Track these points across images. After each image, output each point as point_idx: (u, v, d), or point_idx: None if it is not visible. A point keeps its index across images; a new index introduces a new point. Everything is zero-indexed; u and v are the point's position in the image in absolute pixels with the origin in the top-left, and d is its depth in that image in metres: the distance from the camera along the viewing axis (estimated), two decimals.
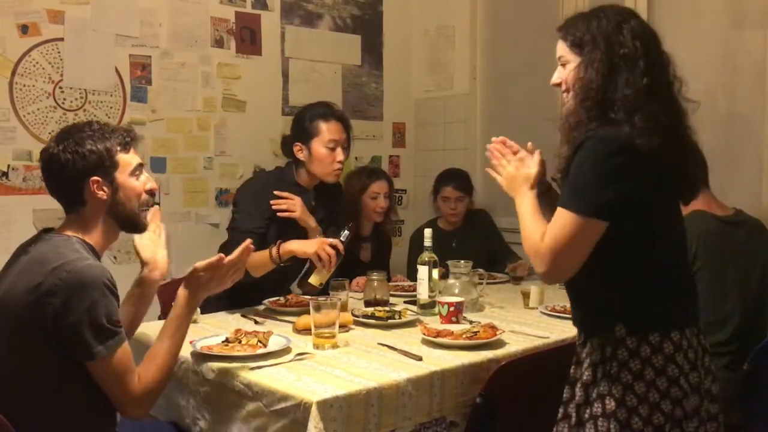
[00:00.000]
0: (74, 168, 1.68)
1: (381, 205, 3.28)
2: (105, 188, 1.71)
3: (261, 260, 2.44)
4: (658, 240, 1.57)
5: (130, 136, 1.77)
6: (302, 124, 2.67)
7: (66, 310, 1.55)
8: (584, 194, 1.50)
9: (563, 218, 1.51)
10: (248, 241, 1.87)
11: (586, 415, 1.56)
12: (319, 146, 2.62)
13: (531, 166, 1.73)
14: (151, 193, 1.82)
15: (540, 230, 1.57)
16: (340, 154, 2.64)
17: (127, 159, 1.75)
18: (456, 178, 3.55)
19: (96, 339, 1.58)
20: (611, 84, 1.52)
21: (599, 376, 1.55)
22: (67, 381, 1.62)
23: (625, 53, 1.52)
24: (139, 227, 1.82)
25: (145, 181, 1.80)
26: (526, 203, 1.67)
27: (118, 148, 1.73)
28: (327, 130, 2.63)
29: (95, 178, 1.69)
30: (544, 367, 1.89)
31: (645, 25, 1.59)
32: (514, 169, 1.73)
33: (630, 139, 1.47)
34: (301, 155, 2.66)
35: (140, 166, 1.80)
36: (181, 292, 1.79)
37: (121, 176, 1.74)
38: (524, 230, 1.62)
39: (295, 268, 2.68)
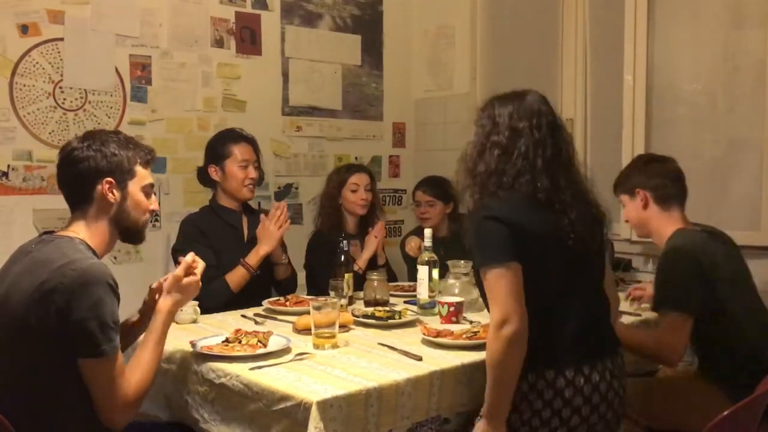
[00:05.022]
0: (94, 164, 1.73)
1: (362, 197, 3.20)
2: (115, 192, 1.75)
3: (241, 277, 2.69)
4: (533, 283, 1.73)
5: (150, 155, 1.85)
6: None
7: (71, 308, 1.55)
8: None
9: None
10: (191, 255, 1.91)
11: None
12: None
13: None
14: (152, 213, 1.87)
15: None
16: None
17: (144, 174, 1.82)
18: (428, 183, 3.55)
19: (103, 337, 1.58)
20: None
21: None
22: (70, 380, 1.61)
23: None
24: (138, 239, 1.86)
25: (153, 201, 1.86)
26: None
27: (139, 161, 1.80)
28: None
29: (109, 179, 1.74)
30: None
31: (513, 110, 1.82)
32: None
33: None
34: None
35: (152, 186, 1.85)
36: (164, 304, 1.81)
37: (134, 187, 1.79)
38: None
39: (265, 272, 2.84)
